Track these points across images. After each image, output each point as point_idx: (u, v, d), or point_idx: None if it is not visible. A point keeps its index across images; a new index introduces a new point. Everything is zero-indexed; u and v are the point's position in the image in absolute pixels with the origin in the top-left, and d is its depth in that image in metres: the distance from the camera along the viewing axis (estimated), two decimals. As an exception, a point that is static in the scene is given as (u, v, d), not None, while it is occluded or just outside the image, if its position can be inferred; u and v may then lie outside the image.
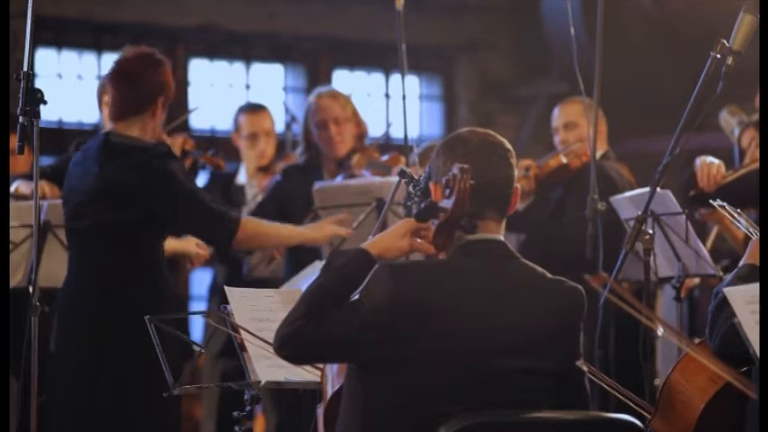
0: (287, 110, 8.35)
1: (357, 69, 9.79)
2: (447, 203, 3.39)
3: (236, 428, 4.06)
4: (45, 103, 4.41)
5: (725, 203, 4.25)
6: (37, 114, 4.41)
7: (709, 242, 6.37)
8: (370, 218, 5.68)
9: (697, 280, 6.35)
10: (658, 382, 5.34)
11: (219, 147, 7.08)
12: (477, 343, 3.35)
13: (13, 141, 4.49)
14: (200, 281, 8.13)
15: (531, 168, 6.63)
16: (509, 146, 3.53)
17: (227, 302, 4.05)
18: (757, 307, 3.31)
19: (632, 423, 3.40)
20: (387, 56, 9.20)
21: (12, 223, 5.36)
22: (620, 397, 4.05)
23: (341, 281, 3.41)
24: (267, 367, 3.91)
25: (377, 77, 9.85)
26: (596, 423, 3.43)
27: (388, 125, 8.05)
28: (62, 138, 7.71)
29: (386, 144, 7.90)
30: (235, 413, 4.06)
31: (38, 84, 4.43)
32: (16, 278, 5.57)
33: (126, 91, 5.07)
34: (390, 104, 9.83)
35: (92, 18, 8.57)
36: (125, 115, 5.07)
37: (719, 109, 7.09)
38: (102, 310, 4.99)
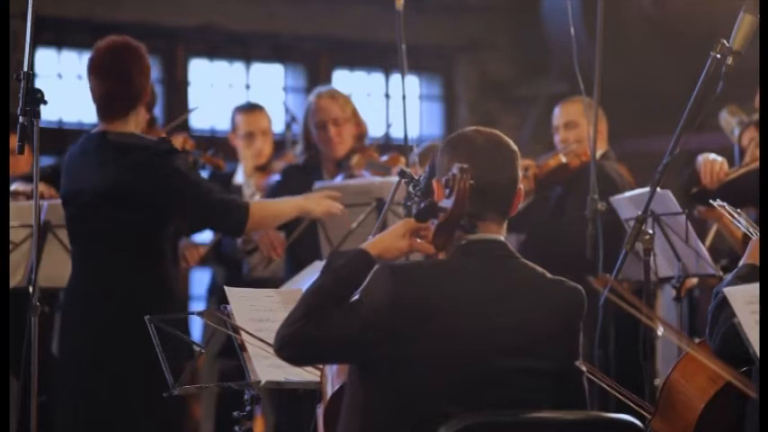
0: (287, 110, 8.35)
1: (357, 69, 9.79)
2: (447, 203, 3.39)
3: (236, 428, 4.05)
4: (45, 103, 4.41)
5: (725, 203, 4.25)
6: (37, 114, 4.40)
7: (708, 240, 6.37)
8: (370, 218, 5.68)
9: (695, 280, 6.35)
10: (658, 382, 5.35)
11: (219, 147, 7.09)
12: (476, 343, 3.35)
13: (13, 141, 4.49)
14: (200, 281, 8.13)
15: (530, 168, 6.63)
16: (514, 147, 3.52)
17: (227, 302, 4.05)
18: (757, 307, 3.31)
19: (632, 423, 3.40)
20: (387, 56, 9.20)
21: (12, 223, 5.35)
22: (620, 397, 4.05)
23: (341, 281, 3.41)
24: (267, 367, 3.91)
25: (377, 77, 9.86)
26: (596, 423, 3.43)
27: (388, 125, 8.05)
28: (62, 138, 7.70)
29: (386, 144, 7.90)
30: (235, 413, 4.05)
31: (38, 84, 4.43)
32: (16, 278, 5.57)
33: (115, 89, 5.04)
34: (390, 104, 9.84)
35: (92, 18, 8.57)
36: (119, 113, 5.05)
37: (719, 109, 7.09)
38: (110, 310, 4.97)
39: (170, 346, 4.17)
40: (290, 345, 3.37)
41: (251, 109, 7.25)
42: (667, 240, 5.60)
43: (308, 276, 5.21)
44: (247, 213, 5.10)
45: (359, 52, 9.66)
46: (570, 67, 5.84)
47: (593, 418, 3.47)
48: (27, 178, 5.93)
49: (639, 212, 4.77)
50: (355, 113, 6.36)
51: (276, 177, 6.67)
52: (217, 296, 6.96)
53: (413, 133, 8.13)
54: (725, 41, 4.50)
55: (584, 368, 3.49)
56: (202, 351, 4.36)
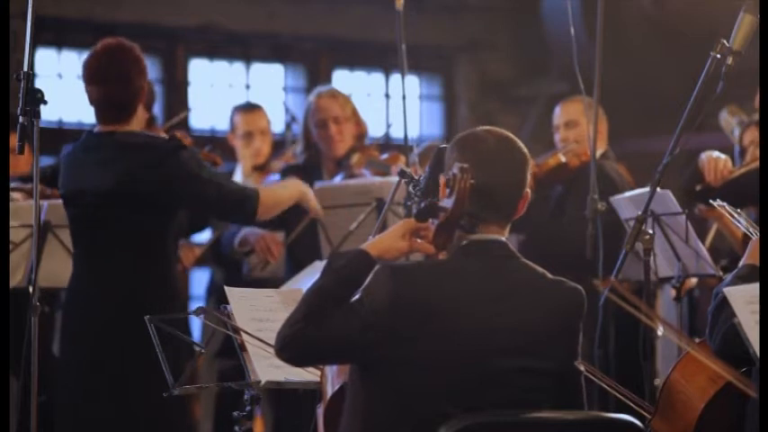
0: (287, 110, 8.35)
1: (357, 69, 9.79)
2: (447, 203, 3.39)
3: (236, 429, 4.05)
4: (45, 103, 4.41)
5: (724, 203, 4.24)
6: (37, 114, 4.40)
7: (708, 240, 6.37)
8: (370, 218, 5.68)
9: (695, 281, 6.35)
10: (658, 382, 5.34)
11: (219, 147, 7.08)
12: (477, 343, 3.35)
13: (14, 141, 4.49)
14: (199, 281, 8.13)
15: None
16: (526, 151, 3.50)
17: (226, 302, 4.05)
18: (757, 307, 3.31)
19: (632, 423, 3.40)
20: (387, 56, 9.20)
21: (12, 223, 5.35)
22: (620, 397, 4.04)
23: (341, 282, 3.41)
24: (267, 367, 3.90)
25: (377, 77, 9.86)
26: (596, 423, 3.43)
27: (388, 126, 8.05)
28: (62, 138, 7.69)
29: (386, 144, 7.90)
30: (235, 413, 4.05)
31: (38, 84, 4.42)
32: (16, 278, 5.57)
33: (116, 91, 5.04)
34: (390, 104, 9.84)
35: (92, 18, 8.57)
36: (121, 115, 5.05)
37: (719, 109, 7.09)
38: (113, 310, 4.98)
39: (171, 346, 4.17)
40: (291, 346, 3.37)
41: (250, 109, 7.25)
42: (667, 240, 5.60)
43: (308, 276, 5.21)
44: (258, 201, 5.13)
45: (359, 52, 9.66)
46: (570, 67, 5.83)
47: (593, 418, 3.47)
48: (27, 178, 5.93)
49: (639, 212, 4.76)
50: (355, 113, 6.36)
51: (275, 177, 6.67)
52: (216, 296, 6.96)
53: (413, 133, 8.13)
54: (725, 41, 4.50)
55: (582, 368, 3.49)
56: (202, 351, 4.36)
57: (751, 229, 4.08)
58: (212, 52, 9.26)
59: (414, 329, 3.32)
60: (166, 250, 5.09)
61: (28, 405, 4.49)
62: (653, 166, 4.74)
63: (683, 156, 4.96)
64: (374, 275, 3.37)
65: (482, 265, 3.42)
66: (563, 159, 6.65)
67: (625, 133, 8.11)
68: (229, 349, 4.15)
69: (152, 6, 8.76)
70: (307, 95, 7.44)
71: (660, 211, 5.51)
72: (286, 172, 6.42)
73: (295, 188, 5.42)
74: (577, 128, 6.69)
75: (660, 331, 5.60)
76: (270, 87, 9.44)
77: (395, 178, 4.84)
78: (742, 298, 3.35)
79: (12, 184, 5.84)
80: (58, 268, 5.50)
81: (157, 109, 8.23)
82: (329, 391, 3.65)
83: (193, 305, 8.43)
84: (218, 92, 9.24)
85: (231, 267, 6.88)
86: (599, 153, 6.40)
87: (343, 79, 9.63)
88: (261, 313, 4.03)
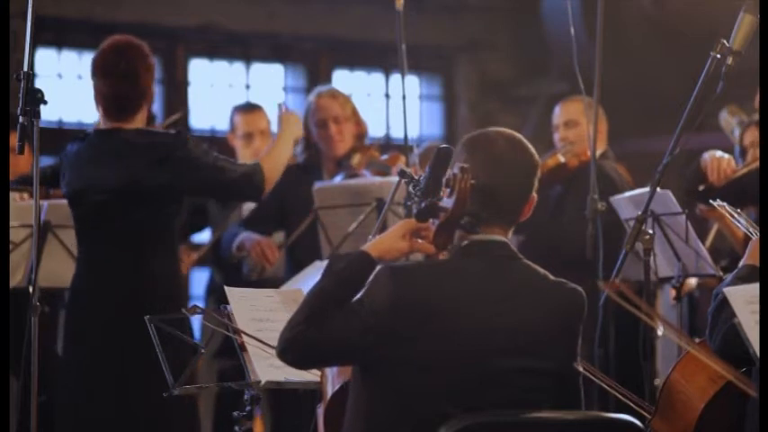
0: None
1: (357, 69, 9.78)
2: (447, 203, 3.39)
3: (236, 429, 4.05)
4: (45, 103, 4.41)
5: (724, 203, 4.24)
6: (37, 114, 4.40)
7: (709, 241, 6.36)
8: (370, 218, 5.68)
9: (694, 283, 6.34)
10: (658, 382, 5.34)
11: (219, 147, 7.08)
12: (477, 343, 3.35)
13: (14, 141, 4.49)
14: (199, 281, 8.12)
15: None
16: (536, 156, 3.50)
17: (226, 302, 4.05)
18: (757, 307, 3.31)
19: (632, 423, 3.40)
20: (387, 56, 9.19)
21: (12, 223, 5.35)
22: (620, 397, 4.04)
23: (342, 284, 3.41)
24: (267, 367, 3.90)
25: (377, 77, 9.85)
26: (596, 423, 3.43)
27: (388, 129, 8.05)
28: (62, 138, 7.69)
29: (386, 144, 7.90)
30: (235, 413, 4.05)
31: (38, 84, 4.43)
32: (16, 278, 5.57)
33: (125, 87, 5.06)
34: (390, 104, 9.83)
35: (92, 18, 8.57)
36: (128, 112, 5.07)
37: (719, 109, 7.09)
38: (116, 309, 4.98)
39: (173, 345, 4.16)
40: (293, 348, 3.37)
41: (249, 109, 7.24)
42: (667, 240, 5.59)
43: (308, 276, 5.21)
44: (263, 175, 5.20)
45: (359, 52, 9.66)
46: (570, 67, 5.83)
47: (593, 418, 3.47)
48: (27, 178, 5.92)
49: (639, 212, 4.76)
50: (355, 113, 6.36)
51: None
52: (216, 296, 6.96)
53: (413, 133, 8.12)
54: (725, 41, 4.50)
55: (581, 369, 3.49)
56: (203, 351, 4.36)
57: (751, 230, 4.08)
58: (212, 52, 9.26)
59: (414, 330, 3.32)
60: (170, 250, 5.10)
61: (28, 405, 4.49)
62: (653, 166, 4.74)
63: (683, 156, 4.96)
64: (375, 277, 3.37)
65: (483, 265, 3.42)
66: (562, 160, 6.65)
67: (625, 133, 8.11)
68: (229, 349, 4.15)
69: (152, 6, 8.76)
70: (307, 95, 7.43)
71: (660, 211, 5.50)
72: (286, 171, 6.41)
73: (289, 139, 5.46)
74: (577, 127, 6.69)
75: (660, 331, 5.61)
76: (270, 87, 9.43)
77: (395, 178, 4.84)
78: (742, 298, 3.35)
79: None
80: (58, 268, 5.50)
81: (157, 109, 8.23)
82: (329, 391, 3.66)
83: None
84: (218, 92, 9.24)
85: (231, 268, 6.88)
86: (598, 153, 6.40)
87: (343, 79, 9.63)
88: (261, 313, 4.03)
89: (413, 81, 9.86)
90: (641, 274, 4.98)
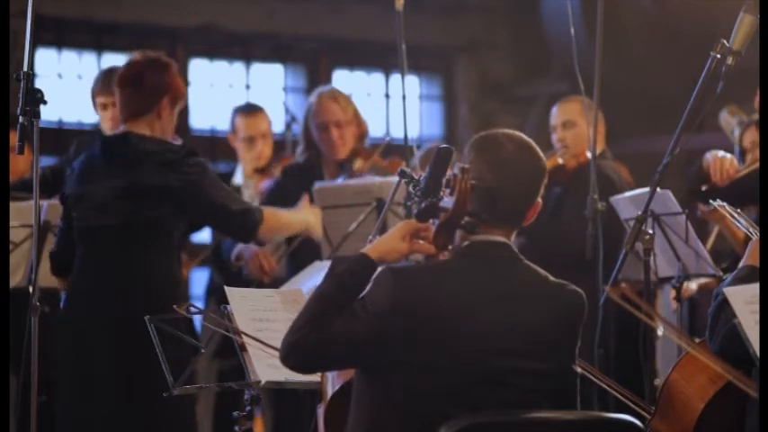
0: (287, 110, 8.34)
1: (357, 69, 9.79)
2: (447, 203, 3.39)
3: (236, 429, 4.05)
4: (45, 103, 4.41)
5: (725, 203, 4.24)
6: (37, 114, 4.40)
7: (710, 243, 6.36)
8: (370, 218, 5.68)
9: (695, 287, 6.33)
10: (658, 382, 5.34)
11: (219, 147, 7.08)
12: (477, 344, 3.35)
13: (14, 141, 4.49)
14: (199, 281, 8.13)
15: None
16: (543, 161, 3.50)
17: (226, 302, 4.04)
18: (757, 307, 3.31)
19: (632, 423, 3.40)
20: (387, 56, 9.20)
21: (12, 223, 5.35)
22: (620, 397, 4.04)
23: (343, 287, 3.40)
24: (267, 367, 3.90)
25: (377, 77, 9.86)
26: (596, 423, 3.43)
27: (388, 131, 8.05)
28: (62, 138, 7.71)
29: (386, 146, 7.89)
30: (235, 413, 4.05)
31: (38, 84, 4.42)
32: (16, 278, 5.57)
33: (129, 93, 5.11)
34: (390, 104, 9.84)
35: (92, 18, 8.57)
36: (131, 116, 5.09)
37: (719, 109, 7.08)
38: (115, 309, 4.98)
39: (174, 346, 4.16)
40: (295, 353, 3.37)
41: (251, 112, 7.21)
42: (667, 240, 5.59)
43: (308, 276, 5.21)
44: (261, 220, 5.15)
45: (359, 52, 9.66)
46: (570, 67, 5.83)
47: (592, 418, 3.47)
48: (27, 178, 5.92)
49: (639, 212, 4.76)
50: (356, 114, 6.34)
51: (278, 178, 6.66)
52: (216, 296, 6.96)
53: (413, 133, 8.12)
54: (725, 41, 4.50)
55: (579, 370, 3.49)
56: (203, 351, 4.36)
57: (751, 230, 4.08)
58: (212, 52, 9.27)
59: (415, 331, 3.32)
60: (170, 250, 5.09)
61: (28, 405, 4.49)
62: (653, 166, 4.74)
63: (683, 156, 4.95)
64: (375, 279, 3.37)
65: (483, 266, 3.42)
66: (560, 161, 6.64)
67: (625, 133, 8.11)
68: (229, 349, 4.14)
69: (152, 6, 8.76)
70: (307, 95, 7.44)
71: (660, 211, 5.50)
72: (287, 171, 6.41)
73: (303, 219, 5.44)
74: (575, 128, 6.68)
75: (660, 331, 5.60)
76: (270, 87, 9.44)
77: (395, 178, 4.83)
78: (742, 298, 3.35)
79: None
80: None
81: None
82: (329, 391, 3.66)
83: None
84: (218, 92, 9.24)
85: (231, 270, 6.89)
86: (597, 153, 6.39)
87: (343, 79, 9.64)
88: (261, 313, 4.02)
89: (413, 81, 9.87)
90: (641, 274, 4.98)
